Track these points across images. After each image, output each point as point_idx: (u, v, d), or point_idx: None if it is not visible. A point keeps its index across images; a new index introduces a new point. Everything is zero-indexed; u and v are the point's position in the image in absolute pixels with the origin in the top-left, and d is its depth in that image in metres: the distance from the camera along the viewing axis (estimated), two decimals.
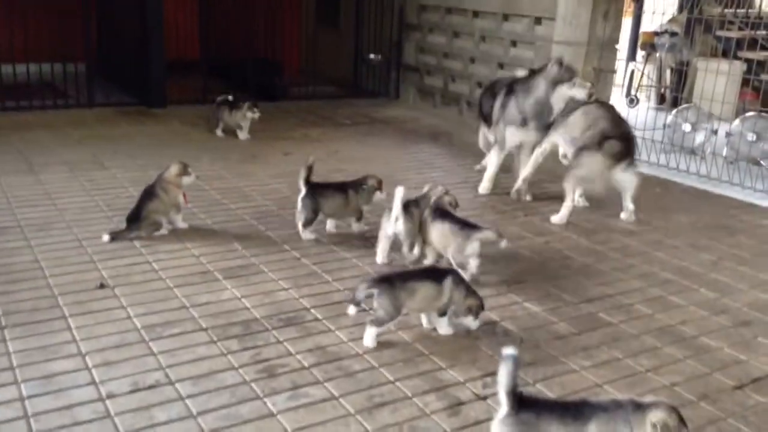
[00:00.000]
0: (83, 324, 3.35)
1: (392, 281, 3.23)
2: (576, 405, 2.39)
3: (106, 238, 4.31)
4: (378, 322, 3.22)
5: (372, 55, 9.85)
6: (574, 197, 5.23)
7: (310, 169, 4.47)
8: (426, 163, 6.61)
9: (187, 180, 4.57)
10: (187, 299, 3.65)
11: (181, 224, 4.62)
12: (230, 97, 7.28)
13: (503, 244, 3.98)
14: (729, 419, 2.86)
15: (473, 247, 3.87)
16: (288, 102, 9.08)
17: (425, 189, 4.32)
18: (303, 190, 4.49)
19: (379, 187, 4.59)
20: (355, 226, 4.67)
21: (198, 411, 2.73)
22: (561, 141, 5.37)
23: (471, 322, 3.41)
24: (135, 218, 4.44)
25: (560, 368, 3.19)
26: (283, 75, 9.66)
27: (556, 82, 5.25)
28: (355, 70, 10.18)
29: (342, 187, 4.63)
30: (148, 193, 4.50)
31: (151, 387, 2.87)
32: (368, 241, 4.53)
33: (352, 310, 3.30)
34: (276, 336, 3.33)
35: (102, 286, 3.74)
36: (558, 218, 5.12)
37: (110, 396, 2.80)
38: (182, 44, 9.55)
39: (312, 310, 3.60)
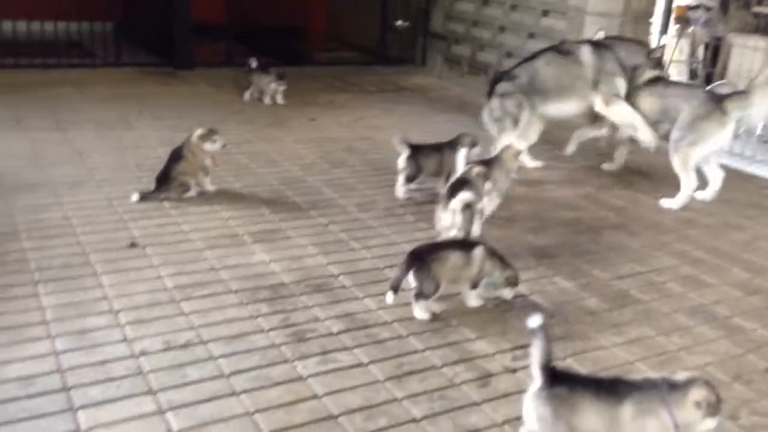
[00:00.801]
0: (115, 282, 3.36)
1: (422, 256, 3.21)
2: (611, 382, 2.36)
3: (135, 197, 4.31)
4: (423, 296, 3.20)
5: (399, 22, 9.71)
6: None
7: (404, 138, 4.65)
8: (452, 134, 6.50)
9: (209, 147, 4.53)
10: (216, 261, 3.66)
11: (210, 187, 4.62)
12: (254, 64, 7.16)
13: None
14: (763, 401, 2.82)
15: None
16: (313, 67, 9.00)
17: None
18: (407, 151, 4.61)
19: (476, 143, 4.64)
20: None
21: (230, 371, 2.75)
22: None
23: (507, 293, 3.39)
24: (164, 179, 4.44)
25: (591, 344, 3.17)
26: (309, 40, 9.57)
27: None
28: (382, 36, 10.04)
29: (438, 147, 4.71)
30: (176, 155, 4.49)
31: (183, 346, 2.89)
32: (392, 210, 4.50)
33: (390, 297, 3.18)
34: (305, 301, 3.33)
35: (133, 245, 3.76)
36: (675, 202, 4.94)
37: (143, 353, 2.82)
38: (209, 8, 9.46)
39: (340, 277, 3.59)
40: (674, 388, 2.25)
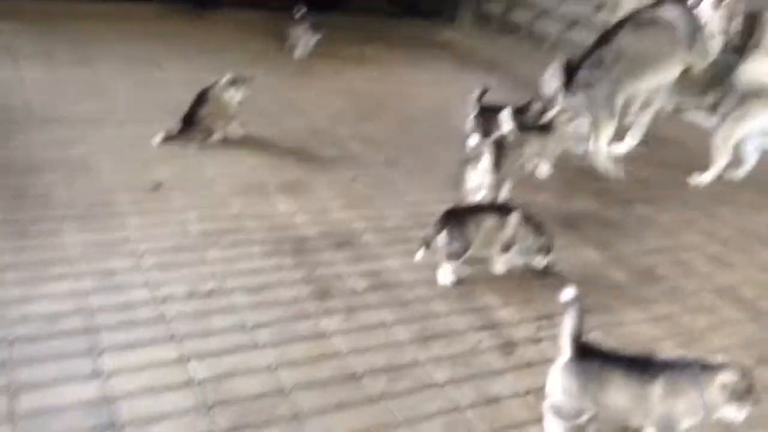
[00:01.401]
0: (139, 224, 3.34)
1: (459, 215, 3.15)
2: (643, 360, 2.32)
3: (159, 138, 4.26)
4: (453, 256, 3.15)
5: None
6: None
7: (483, 93, 4.45)
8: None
9: (231, 94, 4.44)
10: (241, 209, 3.62)
11: (236, 132, 4.55)
12: (298, 14, 6.81)
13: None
14: None
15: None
16: (344, 15, 8.79)
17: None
18: (475, 112, 4.45)
19: (546, 109, 4.48)
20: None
21: (253, 324, 2.73)
22: None
23: (539, 261, 3.34)
24: (189, 122, 4.38)
25: (615, 318, 3.13)
26: None
27: None
28: None
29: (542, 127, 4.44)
30: (202, 98, 4.42)
31: (206, 294, 2.87)
32: (419, 168, 4.43)
33: (420, 254, 3.14)
34: (329, 256, 3.29)
35: (157, 187, 3.72)
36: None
37: (167, 299, 2.80)
38: None
39: (365, 234, 3.55)
40: (706, 369, 2.22)
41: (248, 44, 7.01)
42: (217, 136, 4.43)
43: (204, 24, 7.60)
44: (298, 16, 6.75)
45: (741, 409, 2.19)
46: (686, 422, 2.23)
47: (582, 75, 4.66)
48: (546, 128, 4.17)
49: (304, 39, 6.71)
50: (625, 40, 4.73)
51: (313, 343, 2.67)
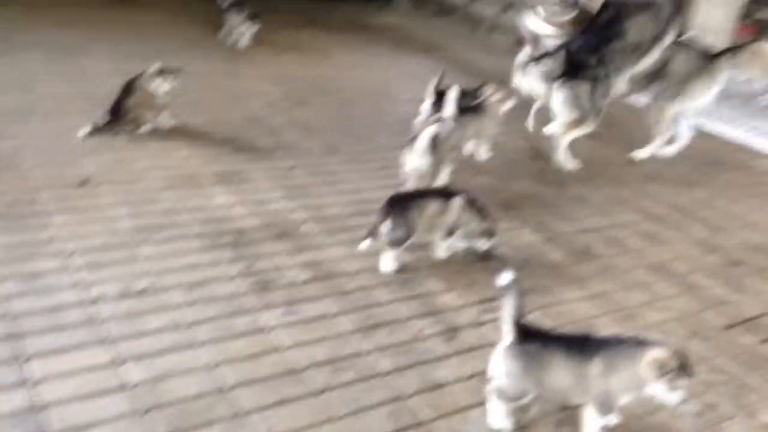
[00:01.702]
0: (66, 222, 3.20)
1: (402, 201, 3.14)
2: (581, 339, 2.35)
3: (85, 131, 4.09)
4: (395, 243, 3.13)
5: None
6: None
7: (441, 79, 4.35)
8: (419, 77, 6.34)
9: (157, 84, 4.29)
10: (175, 202, 3.52)
11: (167, 123, 4.41)
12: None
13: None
14: (719, 358, 2.88)
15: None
16: (279, 0, 8.63)
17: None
18: (431, 99, 4.31)
19: (507, 98, 4.49)
20: None
21: (191, 321, 2.65)
22: None
23: (483, 245, 3.35)
24: (116, 112, 4.22)
25: (554, 298, 3.17)
26: None
27: None
28: None
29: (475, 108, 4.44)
30: (128, 88, 4.27)
31: (140, 293, 2.78)
32: (359, 154, 4.39)
33: (366, 244, 3.13)
34: (269, 248, 3.23)
35: (84, 182, 3.57)
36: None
37: (98, 300, 2.70)
38: None
39: (306, 224, 3.49)
40: (640, 346, 2.25)
41: (178, 31, 6.82)
42: (146, 127, 4.29)
43: (130, 10, 7.34)
44: (226, 4, 6.56)
45: (672, 387, 2.19)
46: (623, 398, 2.27)
47: (589, 71, 4.54)
48: (479, 109, 4.24)
49: (242, 29, 6.49)
50: (631, 32, 4.59)
51: (253, 338, 2.61)
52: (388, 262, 3.16)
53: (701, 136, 5.78)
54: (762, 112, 6.42)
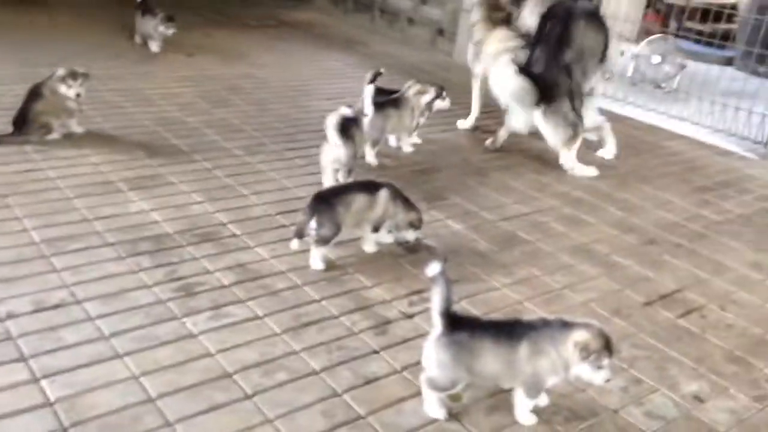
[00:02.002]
0: None
1: (328, 198, 3.10)
2: (509, 324, 2.39)
3: None
4: (323, 241, 3.09)
5: None
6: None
7: (376, 76, 4.24)
8: (339, 73, 6.36)
9: (64, 90, 4.10)
10: (89, 211, 3.37)
11: (77, 128, 4.24)
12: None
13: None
14: (641, 334, 2.98)
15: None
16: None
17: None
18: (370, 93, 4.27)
19: (424, 91, 4.53)
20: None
21: (110, 332, 2.55)
22: None
23: (410, 236, 3.36)
24: (21, 121, 4.02)
25: (482, 286, 3.21)
26: None
27: None
28: None
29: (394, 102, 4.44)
30: (34, 94, 4.07)
31: (56, 306, 2.65)
32: (281, 153, 4.34)
33: (295, 244, 3.09)
34: (191, 252, 3.14)
35: None
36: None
37: (11, 316, 2.56)
38: None
39: (229, 225, 3.42)
40: (564, 327, 2.29)
41: (86, 34, 6.57)
42: (55, 134, 4.10)
43: (32, 11, 7.02)
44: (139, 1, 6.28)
45: (597, 367, 2.23)
46: (550, 380, 2.31)
47: (563, 87, 4.54)
48: (398, 102, 4.32)
49: (158, 33, 6.16)
50: (580, 37, 4.59)
51: (178, 345, 2.53)
52: (317, 260, 3.13)
53: (614, 120, 5.99)
54: (669, 97, 6.70)
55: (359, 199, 3.16)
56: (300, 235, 3.08)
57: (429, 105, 4.57)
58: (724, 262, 3.70)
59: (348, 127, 3.69)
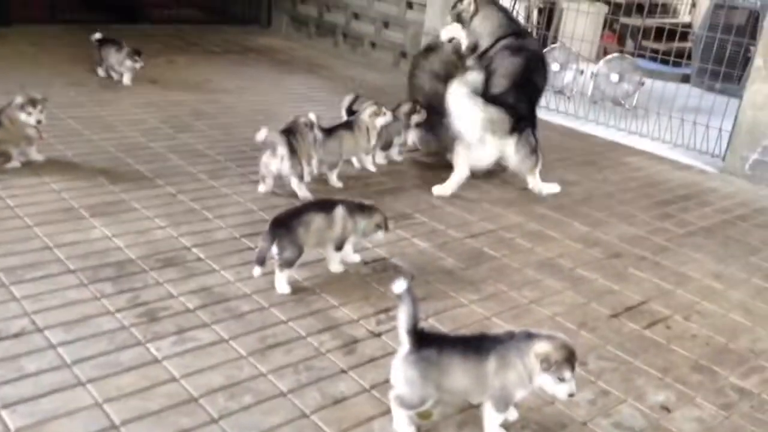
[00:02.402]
0: None
1: (286, 221, 3.08)
2: (476, 339, 2.39)
3: None
4: (287, 264, 3.07)
5: None
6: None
7: (354, 100, 4.64)
8: (303, 96, 6.39)
9: (24, 118, 4.05)
10: (49, 239, 3.31)
11: (36, 156, 4.17)
12: (99, 36, 6.11)
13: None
14: (607, 346, 3.01)
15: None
16: (151, 26, 8.43)
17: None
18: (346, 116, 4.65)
19: (415, 110, 4.82)
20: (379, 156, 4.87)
21: (73, 360, 2.49)
22: None
23: (381, 236, 3.37)
24: None
25: (450, 302, 3.22)
26: None
27: None
28: None
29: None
30: None
31: (16, 335, 2.59)
32: (246, 176, 4.32)
33: (257, 271, 3.08)
34: (155, 277, 3.10)
35: None
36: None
37: None
38: None
39: (193, 250, 3.38)
40: (529, 338, 2.28)
41: (43, 59, 6.53)
42: (15, 162, 4.04)
43: None
44: (97, 37, 6.09)
45: (558, 379, 2.22)
46: (518, 394, 2.31)
47: (527, 118, 4.60)
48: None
49: (126, 67, 5.99)
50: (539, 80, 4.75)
51: (142, 371, 2.48)
52: (282, 284, 3.10)
53: (576, 137, 6.09)
54: (628, 114, 6.85)
55: (317, 219, 3.14)
56: (262, 261, 3.05)
57: (408, 120, 4.85)
58: (688, 273, 3.76)
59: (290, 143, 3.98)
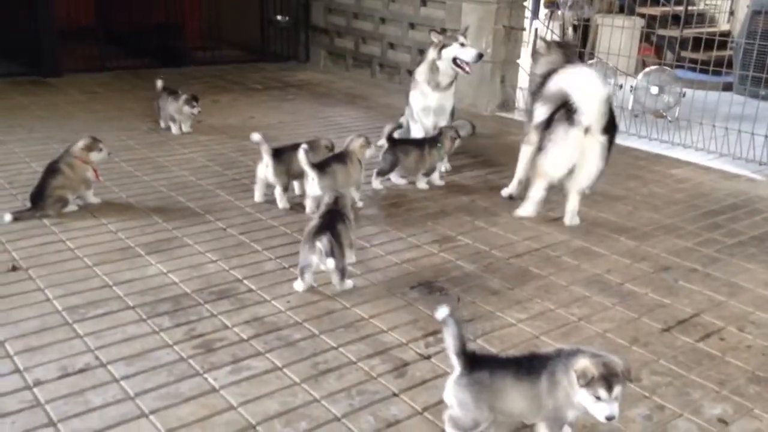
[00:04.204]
0: None
1: (328, 228, 3.34)
2: (527, 359, 2.38)
3: (8, 218, 3.99)
4: (342, 270, 3.37)
5: (279, 17, 9.56)
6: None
7: (394, 129, 4.82)
8: (344, 127, 6.51)
9: (96, 156, 4.31)
10: (108, 277, 3.45)
11: (93, 199, 4.36)
12: (161, 83, 6.14)
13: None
14: (661, 360, 2.98)
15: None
16: (193, 68, 8.73)
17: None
18: (385, 146, 4.76)
19: (458, 136, 5.01)
20: (421, 182, 4.98)
21: (135, 392, 2.59)
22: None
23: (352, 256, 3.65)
24: (39, 196, 4.14)
25: (498, 323, 3.23)
26: (185, 39, 9.24)
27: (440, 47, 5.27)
28: (262, 32, 9.84)
29: (420, 143, 4.94)
30: (52, 170, 4.21)
31: (81, 371, 2.70)
32: (293, 209, 4.43)
33: (300, 285, 3.38)
34: (209, 309, 3.20)
35: (14, 268, 3.49)
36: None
37: (38, 383, 2.62)
38: (75, 9, 8.94)
39: (244, 281, 3.48)
40: (574, 355, 2.24)
41: (94, 106, 6.81)
42: (72, 206, 4.23)
43: (44, 92, 7.31)
44: (160, 85, 6.15)
45: (594, 399, 2.16)
46: (569, 413, 2.28)
47: None
48: (343, 157, 4.35)
49: (184, 115, 6.01)
50: None
51: (201, 401, 2.57)
52: (347, 282, 3.43)
53: (619, 152, 6.05)
54: (671, 125, 6.78)
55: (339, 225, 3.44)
56: (303, 275, 3.36)
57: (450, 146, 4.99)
58: (740, 283, 3.71)
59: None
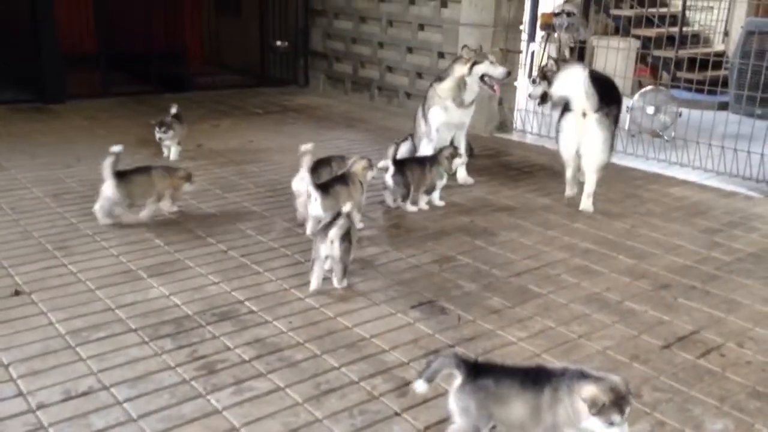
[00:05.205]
0: (1, 333, 3.12)
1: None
2: (534, 370, 2.40)
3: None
4: (346, 269, 3.66)
5: (278, 42, 9.68)
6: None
7: (397, 148, 4.87)
8: (345, 150, 6.52)
9: (188, 187, 4.68)
10: (111, 300, 3.48)
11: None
12: (175, 110, 6.06)
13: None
14: (661, 377, 2.99)
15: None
16: (194, 93, 8.81)
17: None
18: (391, 169, 4.76)
19: (456, 154, 5.05)
20: (422, 200, 5.01)
21: (138, 414, 2.61)
22: None
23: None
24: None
25: (498, 341, 3.25)
26: (187, 65, 9.36)
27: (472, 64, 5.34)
28: (262, 58, 9.96)
29: (421, 162, 5.02)
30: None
31: (84, 394, 2.72)
32: (291, 230, 4.46)
33: (315, 284, 3.62)
34: (211, 331, 3.22)
35: (17, 293, 3.51)
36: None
37: (41, 406, 2.63)
38: (77, 36, 9.07)
39: (246, 303, 3.50)
40: (578, 378, 2.25)
41: (96, 131, 6.86)
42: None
43: (47, 118, 7.37)
44: (174, 111, 6.07)
45: (607, 425, 2.17)
46: (566, 431, 2.28)
47: None
48: (345, 179, 4.37)
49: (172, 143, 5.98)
50: None
51: (204, 422, 2.58)
52: (344, 281, 3.65)
53: (616, 171, 6.10)
54: (668, 145, 6.84)
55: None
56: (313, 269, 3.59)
57: (449, 164, 5.03)
58: (738, 300, 3.73)
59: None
